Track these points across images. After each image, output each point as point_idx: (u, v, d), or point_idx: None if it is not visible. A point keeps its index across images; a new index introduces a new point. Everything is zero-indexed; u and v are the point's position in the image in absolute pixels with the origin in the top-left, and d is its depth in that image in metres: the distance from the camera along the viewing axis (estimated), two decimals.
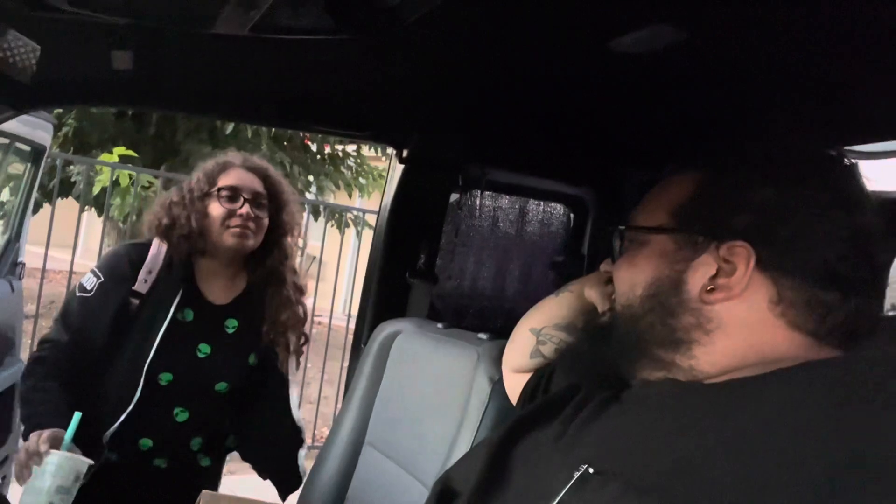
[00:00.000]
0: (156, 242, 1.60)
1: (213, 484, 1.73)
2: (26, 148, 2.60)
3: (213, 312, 1.62)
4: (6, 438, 2.29)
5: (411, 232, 1.83)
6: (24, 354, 2.53)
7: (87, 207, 5.45)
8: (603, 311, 0.88)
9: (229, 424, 1.69)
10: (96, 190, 4.92)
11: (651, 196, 0.77)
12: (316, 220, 5.38)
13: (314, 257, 4.14)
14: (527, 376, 1.02)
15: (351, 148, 7.18)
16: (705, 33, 0.99)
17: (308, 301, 1.77)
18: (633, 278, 0.74)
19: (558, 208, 2.09)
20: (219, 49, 1.21)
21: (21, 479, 1.30)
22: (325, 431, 3.89)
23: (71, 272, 3.55)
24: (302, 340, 1.70)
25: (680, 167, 0.76)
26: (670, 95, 1.30)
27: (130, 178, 4.33)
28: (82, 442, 1.34)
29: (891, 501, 0.48)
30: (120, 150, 4.59)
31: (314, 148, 6.95)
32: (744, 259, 0.65)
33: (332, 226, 5.54)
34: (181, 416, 1.58)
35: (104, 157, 4.64)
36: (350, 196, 7.40)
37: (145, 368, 1.51)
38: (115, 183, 4.40)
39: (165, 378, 1.55)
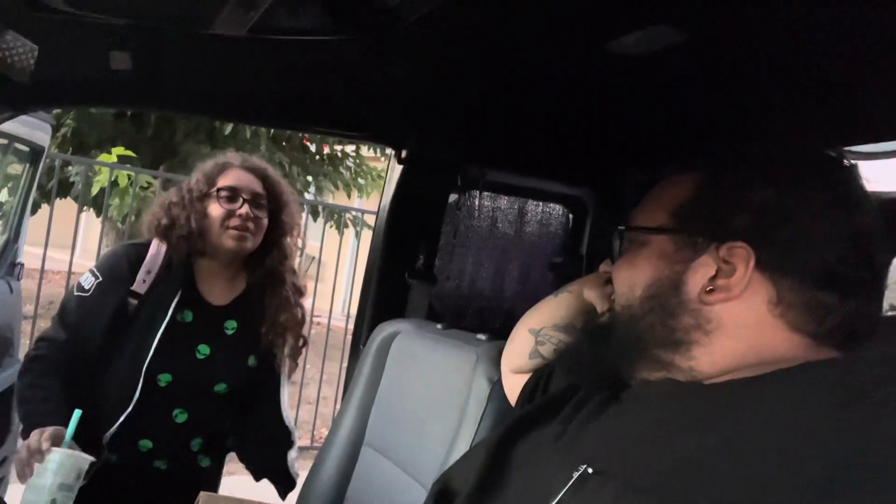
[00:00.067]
0: (155, 243, 1.60)
1: (213, 484, 1.73)
2: (25, 148, 2.59)
3: (213, 313, 1.62)
4: (4, 439, 2.28)
5: (410, 232, 1.83)
6: (23, 355, 2.52)
7: (85, 208, 5.43)
8: (602, 311, 0.88)
9: (229, 425, 1.69)
10: (95, 190, 4.91)
11: (651, 196, 0.77)
12: (315, 220, 5.36)
13: (313, 258, 4.14)
14: (526, 377, 1.02)
15: (350, 148, 7.18)
16: (705, 34, 0.99)
17: (307, 301, 1.76)
18: (632, 279, 0.74)
19: (557, 209, 2.09)
20: (218, 49, 1.21)
21: (23, 478, 1.30)
22: (325, 432, 3.88)
23: (70, 273, 3.54)
24: (301, 342, 1.69)
25: (680, 168, 0.76)
26: (670, 96, 1.30)
27: (129, 179, 4.33)
28: (82, 441, 1.33)
29: (890, 501, 0.48)
30: (118, 151, 4.57)
31: (313, 148, 6.95)
32: (743, 260, 0.65)
33: (331, 226, 5.54)
34: (181, 416, 1.58)
35: (103, 157, 4.63)
36: (349, 196, 7.40)
37: (144, 369, 1.50)
38: (114, 183, 4.40)
39: (165, 379, 1.54)
